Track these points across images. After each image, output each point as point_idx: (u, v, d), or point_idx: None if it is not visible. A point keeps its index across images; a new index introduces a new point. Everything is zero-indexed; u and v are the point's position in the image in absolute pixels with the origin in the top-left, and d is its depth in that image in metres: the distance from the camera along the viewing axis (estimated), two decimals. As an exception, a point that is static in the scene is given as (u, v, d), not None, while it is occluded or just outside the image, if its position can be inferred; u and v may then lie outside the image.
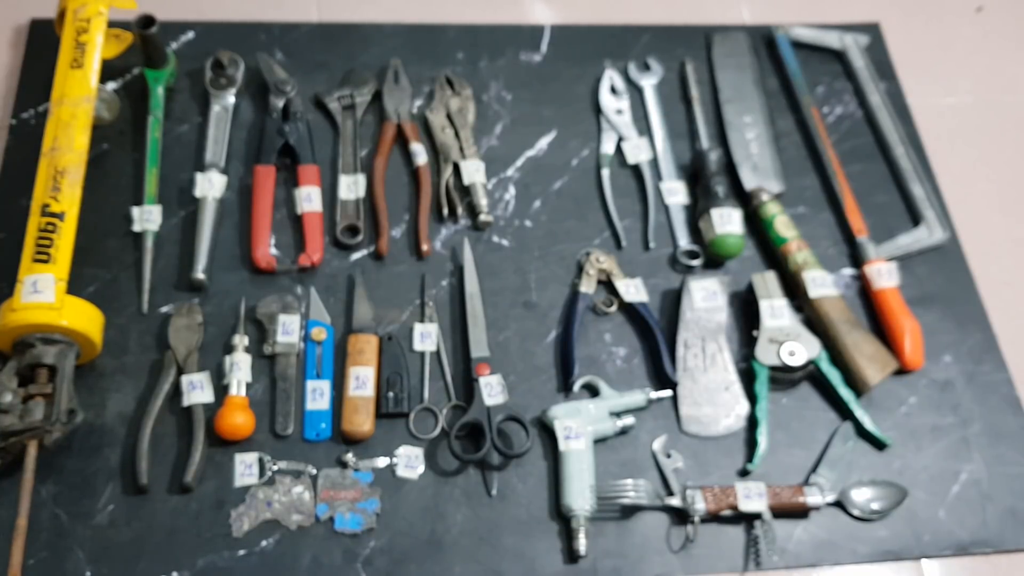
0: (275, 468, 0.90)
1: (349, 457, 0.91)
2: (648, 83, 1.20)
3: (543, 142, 1.14)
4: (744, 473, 0.94)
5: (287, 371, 0.95)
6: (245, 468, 0.90)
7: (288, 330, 0.97)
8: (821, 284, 1.02)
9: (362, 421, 0.92)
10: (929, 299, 1.07)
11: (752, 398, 0.97)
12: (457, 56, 1.20)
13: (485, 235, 1.07)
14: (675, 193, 1.11)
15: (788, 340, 0.98)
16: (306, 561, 0.86)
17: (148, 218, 1.02)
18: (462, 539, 0.89)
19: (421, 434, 0.94)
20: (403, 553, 0.87)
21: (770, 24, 1.27)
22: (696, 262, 1.06)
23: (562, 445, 0.91)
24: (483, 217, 1.06)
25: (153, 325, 0.97)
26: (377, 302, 1.01)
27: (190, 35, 1.17)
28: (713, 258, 1.07)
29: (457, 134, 1.12)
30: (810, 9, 1.31)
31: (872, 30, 1.29)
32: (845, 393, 0.97)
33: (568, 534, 0.89)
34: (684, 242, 1.08)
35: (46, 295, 0.88)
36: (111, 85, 1.11)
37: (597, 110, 1.18)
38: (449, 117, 1.13)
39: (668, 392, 0.97)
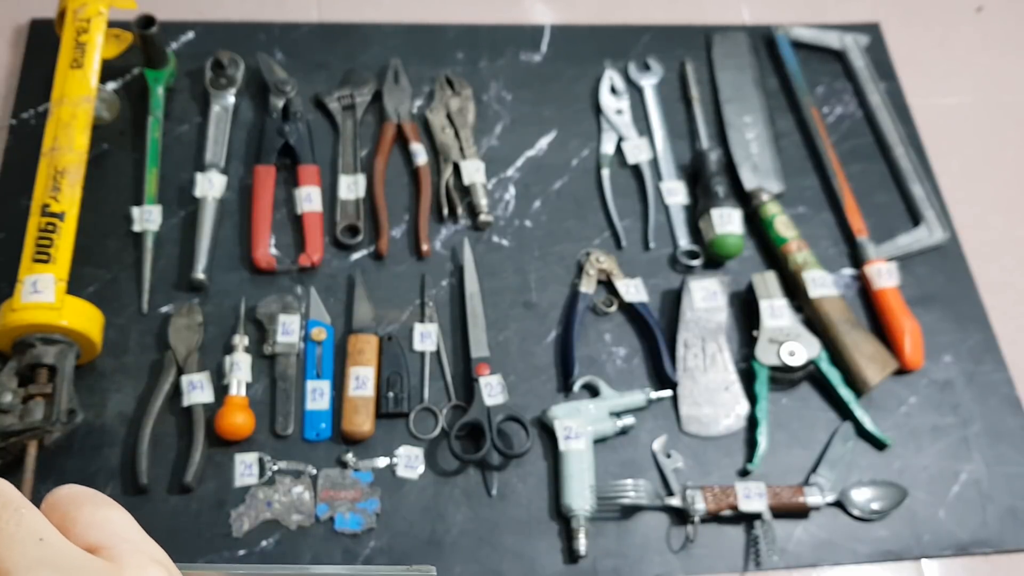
0: (275, 468, 0.90)
1: (349, 457, 0.91)
2: (648, 83, 1.20)
3: (543, 142, 1.14)
4: (744, 473, 0.95)
5: (287, 371, 0.95)
6: (245, 468, 0.90)
7: (288, 330, 0.97)
8: (821, 284, 1.02)
9: (362, 421, 0.92)
10: (929, 299, 1.07)
11: (752, 398, 0.97)
12: (457, 56, 1.20)
13: (485, 235, 1.07)
14: (675, 193, 1.11)
15: (788, 340, 0.98)
16: (306, 561, 0.86)
17: (148, 218, 1.02)
18: (462, 539, 0.89)
19: (421, 434, 0.94)
20: (403, 553, 0.87)
21: (770, 24, 1.27)
22: (696, 262, 1.06)
23: (562, 445, 0.91)
24: (483, 217, 1.06)
25: (153, 325, 0.97)
26: (377, 302, 1.01)
27: (190, 35, 1.17)
28: (713, 258, 1.07)
29: (457, 134, 1.12)
30: (810, 9, 1.31)
31: (872, 30, 1.29)
32: (845, 393, 0.97)
33: (568, 534, 0.89)
34: (684, 242, 1.08)
35: (46, 295, 0.88)
36: (111, 85, 1.11)
37: (597, 110, 1.18)
38: (449, 117, 1.13)
39: (668, 392, 0.97)
